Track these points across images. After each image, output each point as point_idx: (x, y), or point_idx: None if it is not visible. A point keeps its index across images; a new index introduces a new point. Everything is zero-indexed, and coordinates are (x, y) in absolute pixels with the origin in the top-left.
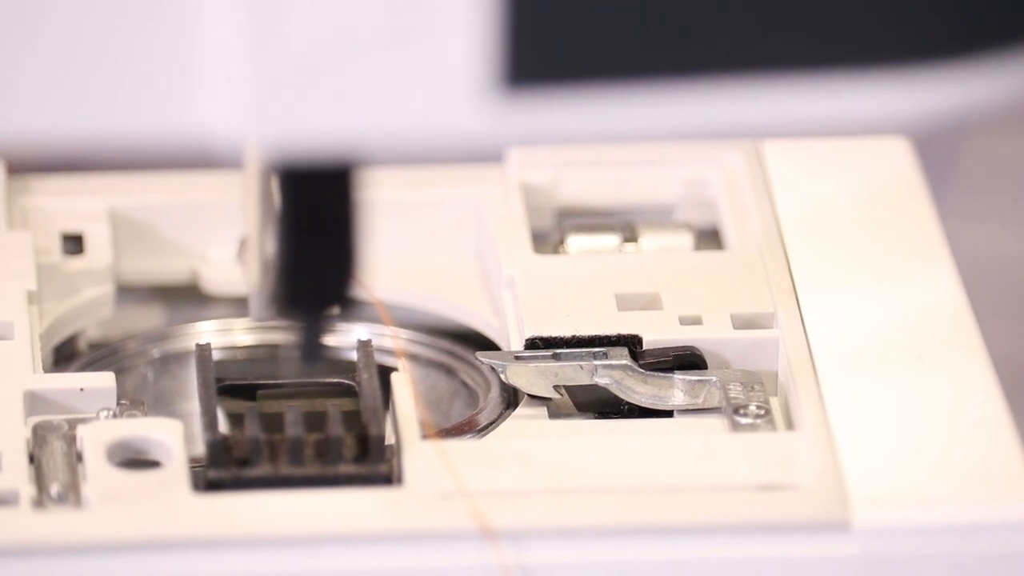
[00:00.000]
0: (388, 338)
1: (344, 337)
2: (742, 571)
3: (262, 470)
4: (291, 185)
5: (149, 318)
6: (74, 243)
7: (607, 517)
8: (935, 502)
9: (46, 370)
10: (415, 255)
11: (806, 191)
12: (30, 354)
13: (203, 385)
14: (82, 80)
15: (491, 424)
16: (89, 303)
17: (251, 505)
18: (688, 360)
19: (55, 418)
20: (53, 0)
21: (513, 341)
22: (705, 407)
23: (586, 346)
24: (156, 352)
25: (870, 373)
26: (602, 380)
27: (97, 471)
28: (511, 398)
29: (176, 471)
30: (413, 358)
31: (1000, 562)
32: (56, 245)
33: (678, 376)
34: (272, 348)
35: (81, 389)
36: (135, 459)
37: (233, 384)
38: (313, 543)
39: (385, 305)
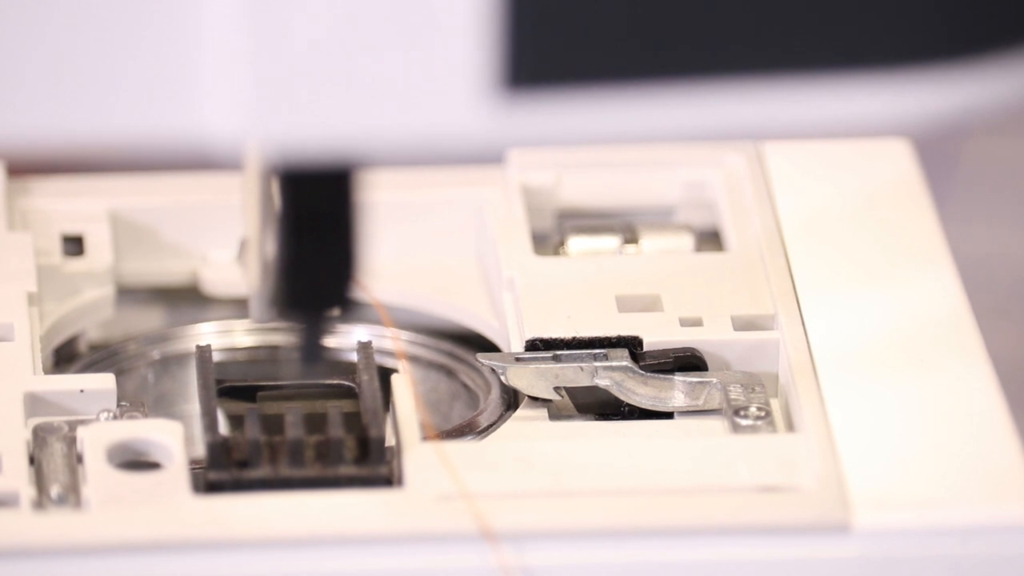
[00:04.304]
0: (388, 340)
1: (344, 338)
2: (742, 573)
3: (262, 472)
4: (291, 187)
5: (149, 320)
6: (74, 244)
7: (607, 519)
8: (935, 504)
9: (46, 371)
10: (416, 257)
11: (807, 193)
12: (30, 355)
13: (203, 387)
14: (82, 81)
15: (491, 426)
16: (89, 304)
17: (251, 507)
18: (688, 362)
19: (55, 419)
20: (53, 0)
21: (513, 342)
22: (705, 409)
23: (586, 347)
24: (156, 354)
25: (870, 375)
26: (602, 382)
27: (97, 473)
28: (511, 400)
29: (176, 473)
30: (413, 360)
31: (1000, 564)
32: (56, 246)
33: (678, 378)
34: (272, 350)
35: (81, 391)
36: (135, 461)
37: (233, 386)
38: (313, 545)
39: (385, 307)
